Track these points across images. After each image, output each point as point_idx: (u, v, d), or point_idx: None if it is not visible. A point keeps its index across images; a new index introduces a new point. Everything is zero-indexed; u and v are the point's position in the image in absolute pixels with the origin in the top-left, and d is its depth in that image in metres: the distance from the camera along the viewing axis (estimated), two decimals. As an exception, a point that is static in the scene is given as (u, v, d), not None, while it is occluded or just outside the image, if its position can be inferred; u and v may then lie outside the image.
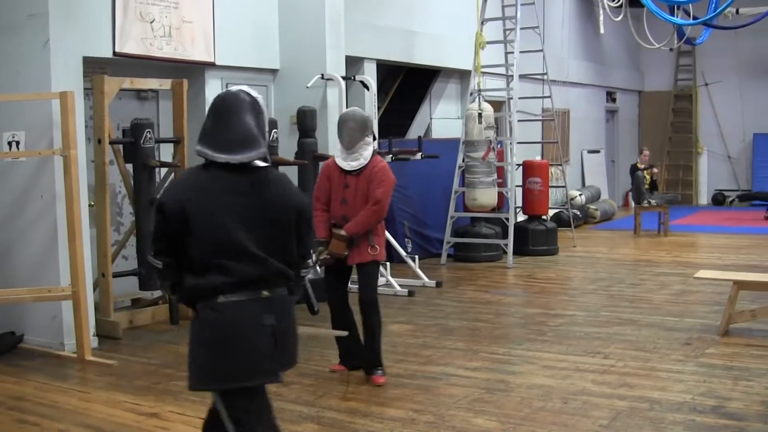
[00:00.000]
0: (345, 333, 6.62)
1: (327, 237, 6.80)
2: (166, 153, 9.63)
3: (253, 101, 3.89)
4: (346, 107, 11.31)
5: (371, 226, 6.80)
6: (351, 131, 6.76)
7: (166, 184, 3.57)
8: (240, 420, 3.80)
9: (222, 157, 3.77)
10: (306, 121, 10.28)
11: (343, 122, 6.85)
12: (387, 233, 11.70)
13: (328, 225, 6.82)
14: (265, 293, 3.79)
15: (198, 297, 3.76)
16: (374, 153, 6.95)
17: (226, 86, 10.51)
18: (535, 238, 13.77)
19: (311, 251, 4.23)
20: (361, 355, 6.97)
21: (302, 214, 3.97)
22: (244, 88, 3.94)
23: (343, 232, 6.71)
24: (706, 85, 22.99)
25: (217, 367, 3.72)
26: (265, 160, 3.86)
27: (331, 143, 10.93)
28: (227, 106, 3.86)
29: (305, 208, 4.03)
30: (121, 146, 8.86)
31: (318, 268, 6.93)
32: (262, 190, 3.84)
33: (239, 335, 3.72)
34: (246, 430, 3.81)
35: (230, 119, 3.82)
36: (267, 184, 3.86)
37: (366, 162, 6.81)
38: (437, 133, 15.09)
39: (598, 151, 21.46)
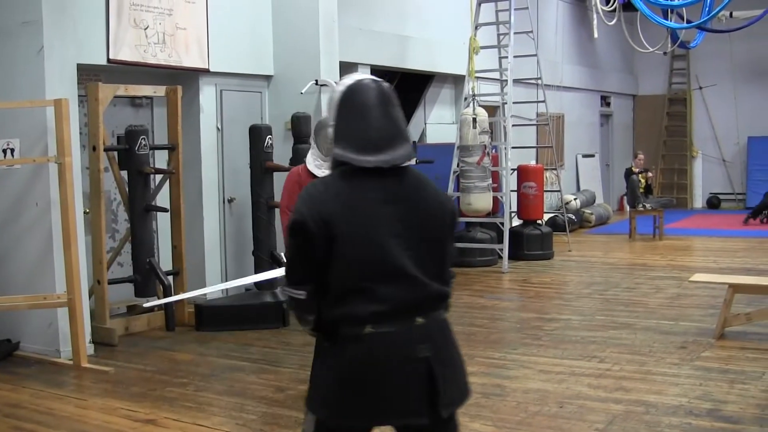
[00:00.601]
0: None
1: None
2: (160, 160, 9.64)
3: (385, 89, 3.27)
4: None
5: None
6: None
7: (300, 197, 3.20)
8: None
9: (369, 161, 3.16)
10: (300, 128, 10.27)
11: (325, 128, 6.68)
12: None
13: None
14: (419, 320, 3.15)
15: (339, 327, 3.15)
16: None
17: (220, 93, 10.55)
18: (530, 243, 13.78)
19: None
20: None
21: (455, 219, 3.39)
22: (368, 76, 3.32)
23: None
24: (701, 88, 23.03)
25: (353, 403, 3.13)
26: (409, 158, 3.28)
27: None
28: (361, 98, 3.22)
29: (456, 211, 3.42)
30: (115, 153, 8.88)
31: None
32: (415, 196, 3.24)
33: (386, 372, 3.11)
34: None
35: (368, 114, 3.21)
36: (418, 189, 3.27)
37: None
38: (432, 138, 15.09)
39: (592, 156, 21.48)
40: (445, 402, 3.18)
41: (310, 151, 6.48)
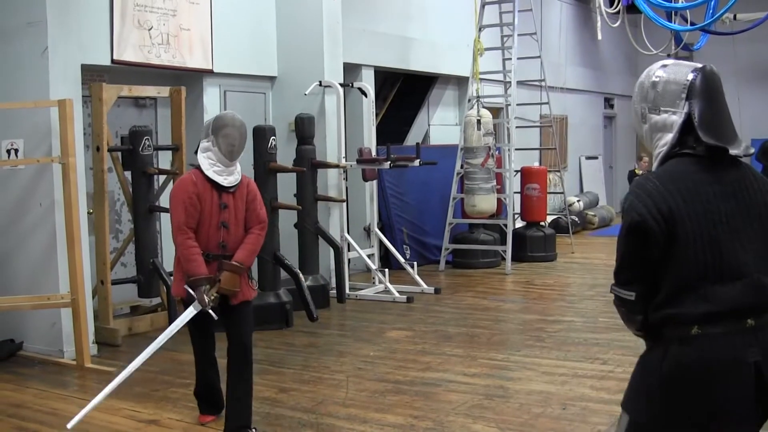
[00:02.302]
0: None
1: (213, 272, 5.59)
2: (164, 160, 9.65)
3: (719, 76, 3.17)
4: (345, 114, 11.34)
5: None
6: (241, 139, 5.61)
7: (633, 194, 3.12)
8: None
9: (732, 150, 3.06)
10: (304, 129, 10.29)
11: (229, 127, 5.59)
12: (386, 240, 11.76)
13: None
14: (750, 322, 2.96)
15: (664, 328, 3.04)
16: None
17: (224, 93, 10.54)
18: (534, 245, 13.78)
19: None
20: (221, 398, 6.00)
21: None
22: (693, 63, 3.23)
23: (237, 264, 5.58)
24: (704, 90, 22.97)
25: (676, 408, 3.01)
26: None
27: (329, 150, 10.95)
28: (714, 85, 3.12)
29: None
30: (119, 153, 8.89)
31: (212, 312, 5.60)
32: (750, 190, 3.09)
33: (714, 375, 2.95)
34: None
35: (719, 101, 3.12)
36: (750, 181, 3.11)
37: (240, 177, 5.69)
38: (435, 139, 15.10)
39: (596, 158, 21.48)
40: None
41: (203, 154, 5.58)
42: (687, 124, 3.07)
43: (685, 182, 3.01)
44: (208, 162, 5.53)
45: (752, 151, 3.10)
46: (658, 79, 3.17)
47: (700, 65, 3.14)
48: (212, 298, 5.54)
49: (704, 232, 2.96)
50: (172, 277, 8.90)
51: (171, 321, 8.73)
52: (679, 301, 2.98)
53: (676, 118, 3.10)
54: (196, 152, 5.70)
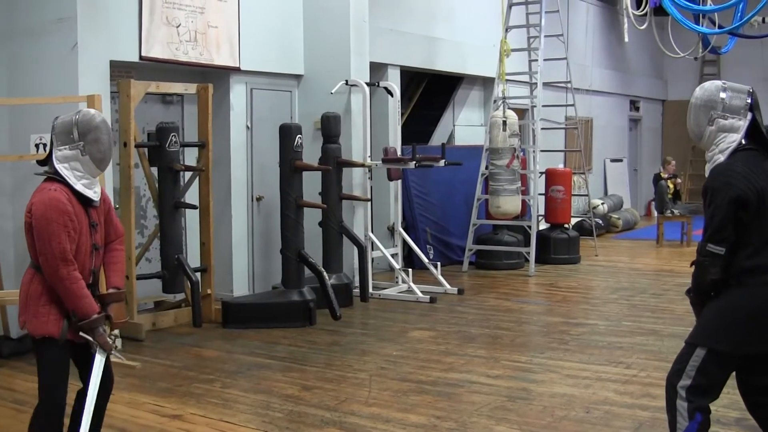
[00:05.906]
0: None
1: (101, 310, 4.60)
2: (190, 157, 9.68)
3: None
4: (370, 113, 11.34)
5: None
6: (111, 144, 4.67)
7: (725, 175, 4.38)
8: (705, 372, 4.36)
9: None
10: (330, 127, 10.31)
11: (101, 130, 4.57)
12: (409, 239, 11.77)
13: None
14: None
15: (747, 276, 4.27)
16: None
17: (251, 91, 10.59)
18: (557, 247, 13.75)
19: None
20: None
21: None
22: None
23: (119, 290, 4.83)
24: (731, 94, 22.81)
25: (759, 334, 4.29)
26: None
27: (354, 149, 10.96)
28: (757, 99, 4.48)
29: None
30: (146, 149, 8.93)
31: (120, 356, 4.90)
32: None
33: None
34: (702, 383, 4.40)
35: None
36: None
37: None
38: (460, 139, 15.09)
39: (620, 160, 21.40)
40: None
41: (64, 164, 4.54)
42: (747, 128, 4.40)
43: (757, 168, 4.32)
44: (74, 174, 4.53)
45: None
46: (725, 95, 4.44)
47: (748, 87, 4.49)
48: (114, 338, 4.66)
49: None
50: (197, 273, 8.97)
51: (195, 317, 8.81)
52: (761, 254, 4.26)
53: (742, 123, 4.41)
54: (43, 162, 4.68)
